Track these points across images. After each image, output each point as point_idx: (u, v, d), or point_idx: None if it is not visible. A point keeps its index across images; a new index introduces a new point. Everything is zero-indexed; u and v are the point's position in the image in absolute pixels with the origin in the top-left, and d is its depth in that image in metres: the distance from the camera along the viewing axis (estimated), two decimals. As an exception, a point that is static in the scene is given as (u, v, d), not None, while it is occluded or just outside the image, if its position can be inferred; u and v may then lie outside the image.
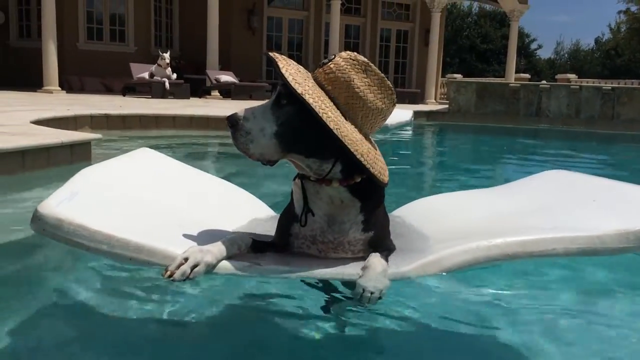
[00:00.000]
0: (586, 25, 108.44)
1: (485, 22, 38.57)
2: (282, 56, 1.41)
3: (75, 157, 3.95)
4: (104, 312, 1.81)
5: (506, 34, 36.77)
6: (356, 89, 1.40)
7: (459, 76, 22.12)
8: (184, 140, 6.37)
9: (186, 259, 1.30)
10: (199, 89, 14.45)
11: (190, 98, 13.06)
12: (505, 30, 37.23)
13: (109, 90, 15.26)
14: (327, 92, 1.40)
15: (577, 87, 11.41)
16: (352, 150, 1.34)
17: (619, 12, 39.58)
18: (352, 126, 1.39)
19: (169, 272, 1.28)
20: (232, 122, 1.37)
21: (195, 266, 1.30)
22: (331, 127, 1.30)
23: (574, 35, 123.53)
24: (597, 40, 43.67)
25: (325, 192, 1.44)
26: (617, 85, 13.15)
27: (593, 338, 1.75)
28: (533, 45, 42.38)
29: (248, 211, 2.09)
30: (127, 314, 1.80)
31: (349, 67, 1.40)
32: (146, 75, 13.29)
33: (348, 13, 19.87)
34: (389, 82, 1.45)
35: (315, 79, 1.43)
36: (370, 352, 1.71)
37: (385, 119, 1.51)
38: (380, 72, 1.44)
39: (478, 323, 1.83)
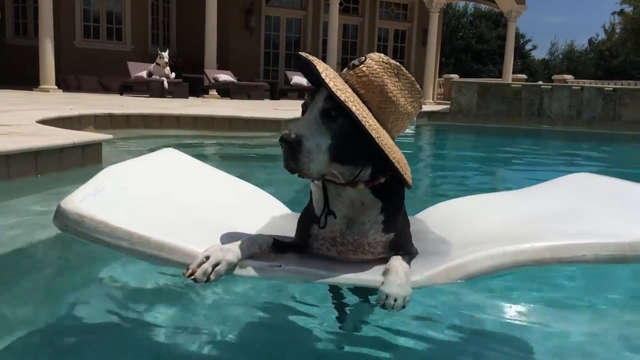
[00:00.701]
0: (580, 26, 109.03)
1: (480, 23, 38.66)
2: (319, 60, 1.34)
3: (86, 158, 3.85)
4: (111, 317, 1.82)
5: (501, 34, 36.92)
6: (389, 94, 1.37)
7: (455, 76, 22.11)
8: (189, 140, 6.28)
9: (207, 258, 1.28)
10: (197, 88, 14.35)
11: (189, 97, 12.94)
12: (501, 31, 37.36)
13: (105, 89, 15.11)
14: (360, 96, 1.36)
15: (579, 87, 11.40)
16: (391, 158, 1.33)
17: (613, 13, 39.85)
18: (384, 130, 1.37)
19: (190, 271, 1.25)
20: (294, 143, 1.25)
21: (216, 265, 1.27)
22: (373, 135, 1.28)
23: (568, 36, 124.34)
24: (590, 41, 43.93)
25: (347, 194, 1.41)
26: (618, 86, 13.16)
27: (600, 342, 1.75)
28: (528, 46, 42.55)
29: (268, 211, 2.09)
30: (132, 316, 1.81)
31: (382, 70, 1.36)
32: (144, 74, 13.17)
33: (346, 12, 19.82)
34: (418, 86, 1.42)
35: (347, 82, 1.38)
36: (377, 353, 1.69)
37: (411, 122, 1.49)
38: (410, 75, 1.41)
39: (481, 325, 1.84)
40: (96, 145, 3.96)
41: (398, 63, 1.39)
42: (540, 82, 14.58)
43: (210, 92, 14.80)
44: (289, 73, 16.73)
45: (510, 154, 8.02)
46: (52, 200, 3.23)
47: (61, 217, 1.34)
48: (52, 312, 1.86)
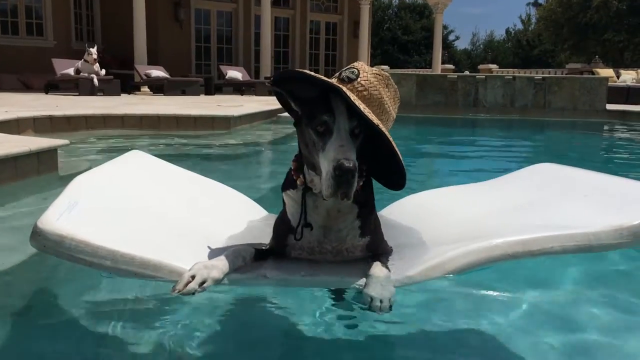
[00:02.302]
0: (498, 17, 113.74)
1: (405, 14, 39.39)
2: (342, 83, 1.36)
3: (42, 166, 3.57)
4: (93, 324, 1.81)
5: (425, 25, 37.92)
6: (385, 105, 1.40)
7: (386, 67, 22.43)
8: (139, 142, 5.99)
9: (193, 277, 1.29)
10: (127, 85, 13.78)
11: (121, 95, 12.40)
12: (425, 22, 38.35)
13: (27, 87, 14.22)
14: None
15: (511, 77, 11.81)
16: (404, 167, 1.41)
17: (528, 4, 41.79)
18: None
19: (177, 291, 1.26)
20: (354, 170, 1.25)
21: (202, 283, 1.29)
22: (396, 149, 1.36)
23: (488, 26, 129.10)
24: (507, 31, 45.84)
25: (324, 204, 1.42)
26: (547, 75, 13.79)
27: (595, 335, 1.77)
28: (451, 37, 43.80)
29: (244, 213, 2.10)
30: (119, 322, 1.78)
31: (377, 83, 1.39)
32: (71, 71, 12.51)
33: (277, 5, 19.62)
34: (398, 93, 1.47)
35: None
36: (372, 352, 1.69)
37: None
38: (394, 83, 1.46)
39: (475, 320, 1.86)
40: (52, 152, 3.67)
41: (387, 73, 1.43)
42: (475, 74, 15.00)
43: (142, 89, 14.28)
44: (223, 67, 16.40)
45: (453, 144, 8.21)
46: (15, 214, 2.98)
47: (39, 237, 1.28)
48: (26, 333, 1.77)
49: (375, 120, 1.31)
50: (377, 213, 2.16)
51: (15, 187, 3.34)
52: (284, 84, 1.39)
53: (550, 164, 2.30)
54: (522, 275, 2.15)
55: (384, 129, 1.33)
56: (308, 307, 1.86)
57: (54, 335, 1.74)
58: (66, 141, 3.83)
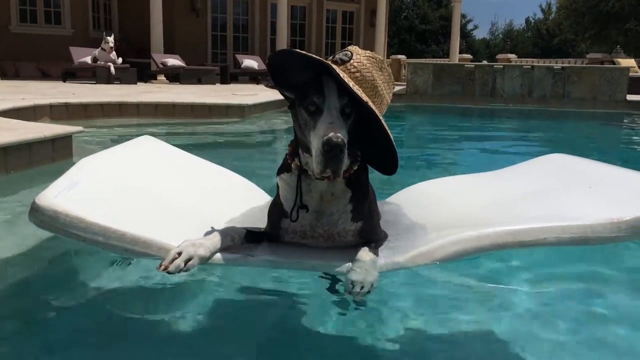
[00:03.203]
0: (518, 5, 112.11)
1: (423, 3, 39.02)
2: (335, 64, 1.37)
3: (57, 153, 3.59)
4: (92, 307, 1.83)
5: (443, 14, 37.49)
6: (378, 88, 1.41)
7: (402, 57, 22.24)
8: (152, 129, 6.01)
9: (179, 254, 1.31)
10: (144, 74, 13.80)
11: (137, 83, 12.45)
12: (443, 11, 37.95)
13: (46, 76, 14.34)
14: None
15: (529, 67, 11.67)
16: (395, 149, 1.40)
17: (549, -8, 41.09)
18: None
19: (162, 267, 1.28)
20: (342, 145, 1.27)
21: (188, 260, 1.31)
22: (388, 131, 1.36)
23: (507, 15, 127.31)
24: (527, 21, 45.19)
25: (318, 187, 1.44)
26: (566, 65, 13.58)
27: (595, 332, 1.74)
28: (469, 26, 43.30)
29: (247, 198, 2.11)
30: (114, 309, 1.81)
31: (370, 65, 1.40)
32: (88, 59, 12.54)
33: (293, -6, 19.52)
34: (392, 77, 1.49)
35: None
36: (369, 347, 1.67)
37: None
38: (388, 67, 1.47)
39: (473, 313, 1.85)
40: (67, 139, 3.70)
41: (380, 57, 1.44)
42: (493, 63, 14.83)
43: (158, 78, 14.31)
44: (239, 56, 16.38)
45: (469, 133, 8.13)
46: (28, 200, 3.00)
47: (36, 213, 1.34)
48: (34, 313, 1.80)
49: (365, 98, 1.32)
50: (385, 200, 2.20)
51: (30, 173, 3.37)
52: (279, 72, 1.42)
53: (561, 155, 2.29)
54: (532, 268, 2.12)
55: (373, 107, 1.34)
56: (311, 303, 1.85)
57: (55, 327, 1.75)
58: (80, 128, 3.84)
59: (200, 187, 2.06)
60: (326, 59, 1.40)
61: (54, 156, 3.58)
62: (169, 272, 1.28)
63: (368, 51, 1.43)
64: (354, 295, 1.29)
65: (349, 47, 1.43)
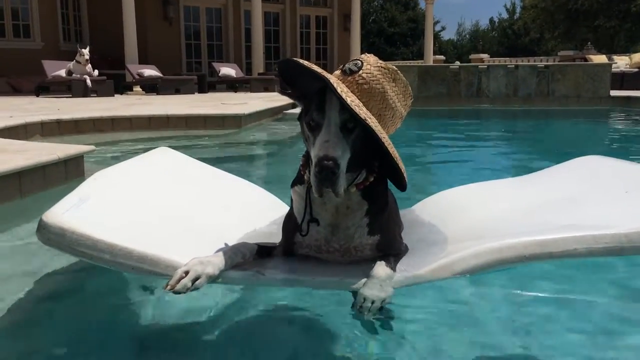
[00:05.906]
0: (484, 6, 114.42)
1: (391, 6, 39.22)
2: (330, 76, 1.28)
3: (69, 174, 3.35)
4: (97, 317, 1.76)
5: (411, 17, 37.80)
6: (389, 100, 1.35)
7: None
8: (149, 144, 5.75)
9: (187, 272, 1.26)
10: (119, 85, 13.41)
11: (115, 95, 12.08)
12: (410, 14, 38.23)
13: (16, 90, 13.81)
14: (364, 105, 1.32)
15: (514, 66, 11.70)
16: (401, 166, 1.34)
17: (513, -8, 41.79)
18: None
19: (169, 287, 1.24)
20: (335, 168, 1.21)
21: (196, 279, 1.26)
22: (390, 151, 1.29)
23: (473, 16, 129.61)
24: (491, 21, 45.88)
25: (332, 200, 1.36)
26: (550, 63, 13.69)
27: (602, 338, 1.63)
28: (437, 27, 43.71)
29: (265, 210, 2.04)
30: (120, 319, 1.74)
31: (381, 76, 1.34)
32: (63, 73, 12.14)
33: (266, 0, 19.31)
34: (410, 89, 1.42)
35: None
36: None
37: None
38: (404, 78, 1.40)
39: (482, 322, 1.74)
40: (78, 159, 3.45)
41: (394, 67, 1.37)
42: (477, 64, 14.89)
43: (134, 89, 13.94)
44: (215, 64, 16.11)
45: (457, 136, 8.03)
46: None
47: (43, 230, 1.31)
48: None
49: (363, 115, 1.23)
50: (407, 209, 2.10)
51: (44, 196, 3.12)
52: (293, 80, 1.36)
53: (597, 156, 2.17)
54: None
55: (372, 125, 1.24)
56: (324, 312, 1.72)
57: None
58: (92, 147, 3.61)
59: (218, 200, 1.98)
60: (339, 67, 1.36)
61: (67, 176, 3.34)
62: (175, 292, 1.24)
63: (381, 61, 1.36)
64: (364, 310, 1.24)
65: (362, 56, 1.37)
